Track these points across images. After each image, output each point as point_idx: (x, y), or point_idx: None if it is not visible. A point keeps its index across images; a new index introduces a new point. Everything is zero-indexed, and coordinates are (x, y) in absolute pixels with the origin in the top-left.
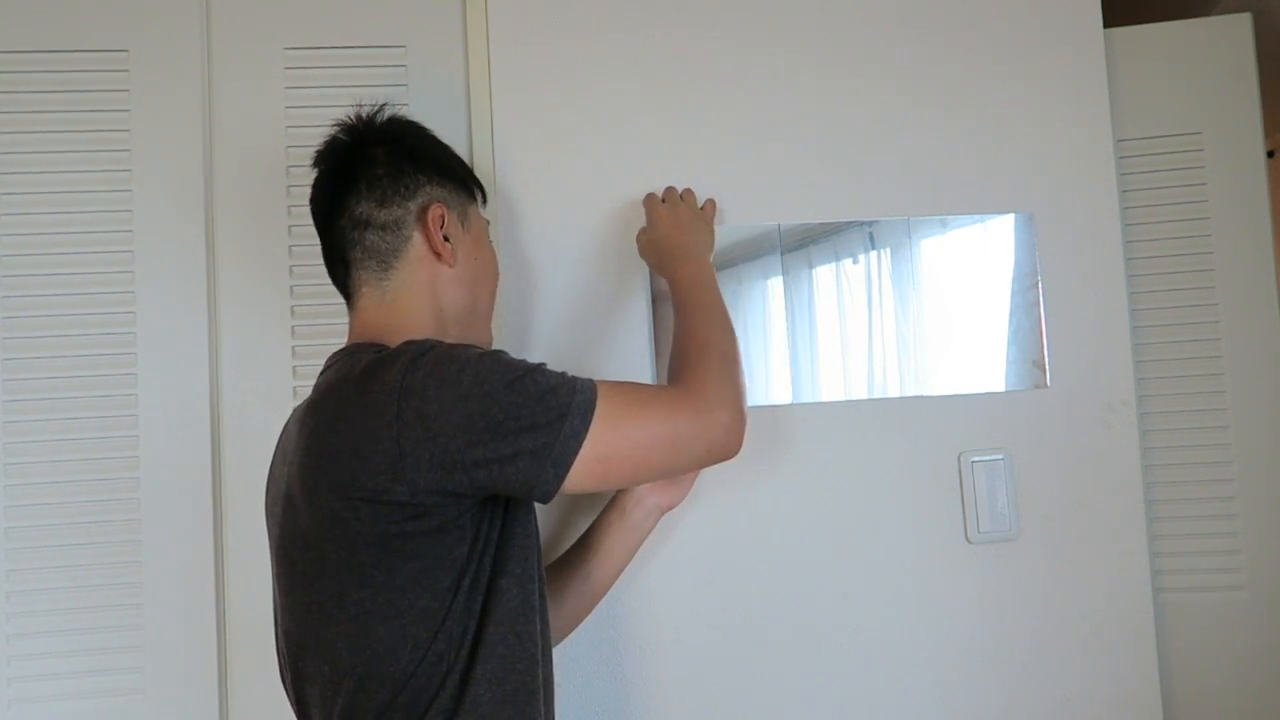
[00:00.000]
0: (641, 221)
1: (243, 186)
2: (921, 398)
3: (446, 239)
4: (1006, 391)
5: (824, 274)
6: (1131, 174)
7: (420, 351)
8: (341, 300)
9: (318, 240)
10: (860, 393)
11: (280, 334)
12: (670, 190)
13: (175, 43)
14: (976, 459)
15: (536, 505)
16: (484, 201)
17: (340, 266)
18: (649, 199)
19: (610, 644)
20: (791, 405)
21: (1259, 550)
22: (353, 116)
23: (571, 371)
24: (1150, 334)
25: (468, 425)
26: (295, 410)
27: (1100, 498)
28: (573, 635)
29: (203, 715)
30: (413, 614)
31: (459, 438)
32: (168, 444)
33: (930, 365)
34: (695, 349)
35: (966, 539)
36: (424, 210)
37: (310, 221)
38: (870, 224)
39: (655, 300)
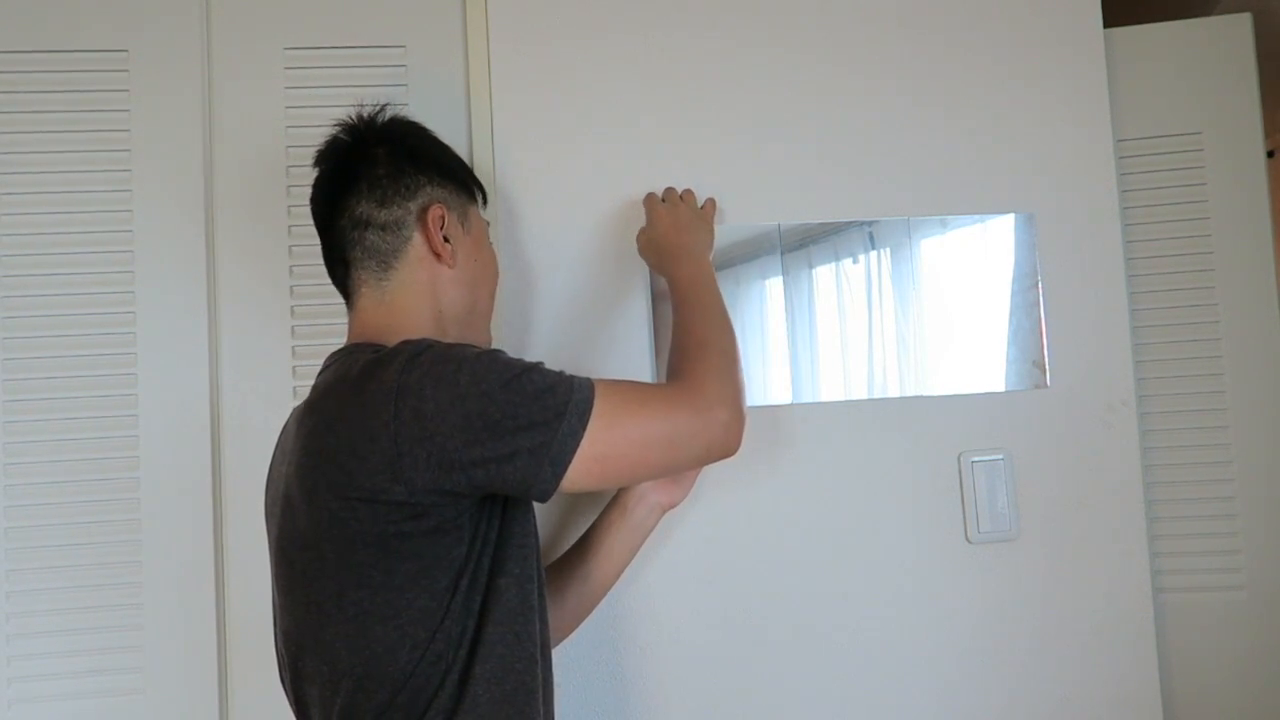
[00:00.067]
0: (641, 221)
1: (243, 186)
2: (921, 398)
3: (446, 240)
4: (1006, 391)
5: (824, 274)
6: (1131, 174)
7: (417, 351)
8: (341, 300)
9: (318, 240)
10: (860, 393)
11: (280, 334)
12: (670, 190)
13: (175, 43)
14: (976, 459)
15: (535, 505)
16: (484, 203)
17: (340, 266)
18: (649, 198)
19: (610, 644)
20: (791, 405)
21: (1259, 550)
22: (354, 116)
23: (571, 371)
24: (1150, 334)
25: (465, 424)
26: (294, 410)
27: (1100, 498)
28: (573, 635)
29: (203, 715)
30: (411, 614)
31: (456, 437)
32: (168, 444)
33: (930, 365)
34: (694, 347)
35: (966, 539)
36: (424, 211)
37: (310, 221)
38: (870, 224)
39: (655, 299)
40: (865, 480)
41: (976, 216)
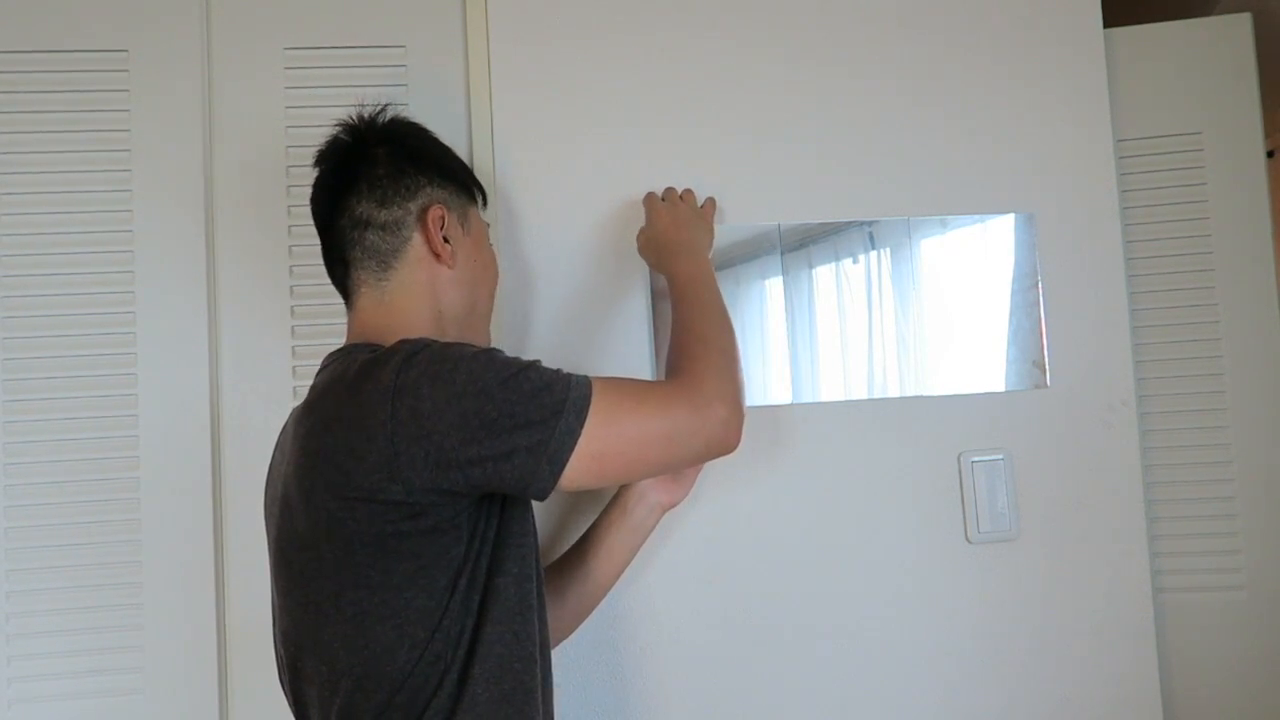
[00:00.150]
0: (641, 221)
1: (243, 186)
2: (921, 398)
3: (446, 240)
4: (1006, 391)
5: (824, 274)
6: (1131, 174)
7: (414, 350)
8: (341, 300)
9: (318, 240)
10: (860, 393)
11: (280, 334)
12: (670, 190)
13: (175, 43)
14: (976, 459)
15: (535, 504)
16: (484, 204)
17: (340, 266)
18: (648, 198)
19: (610, 644)
20: (791, 405)
21: (1259, 550)
22: (354, 116)
23: (571, 370)
24: (1150, 334)
25: (462, 423)
26: (293, 411)
27: (1100, 498)
28: (573, 635)
29: (203, 715)
30: (410, 614)
31: (453, 436)
32: (168, 444)
33: (930, 365)
34: (692, 344)
35: (966, 539)
36: (424, 211)
37: (310, 221)
38: (870, 224)
39: (655, 298)
40: (865, 480)
41: (976, 216)
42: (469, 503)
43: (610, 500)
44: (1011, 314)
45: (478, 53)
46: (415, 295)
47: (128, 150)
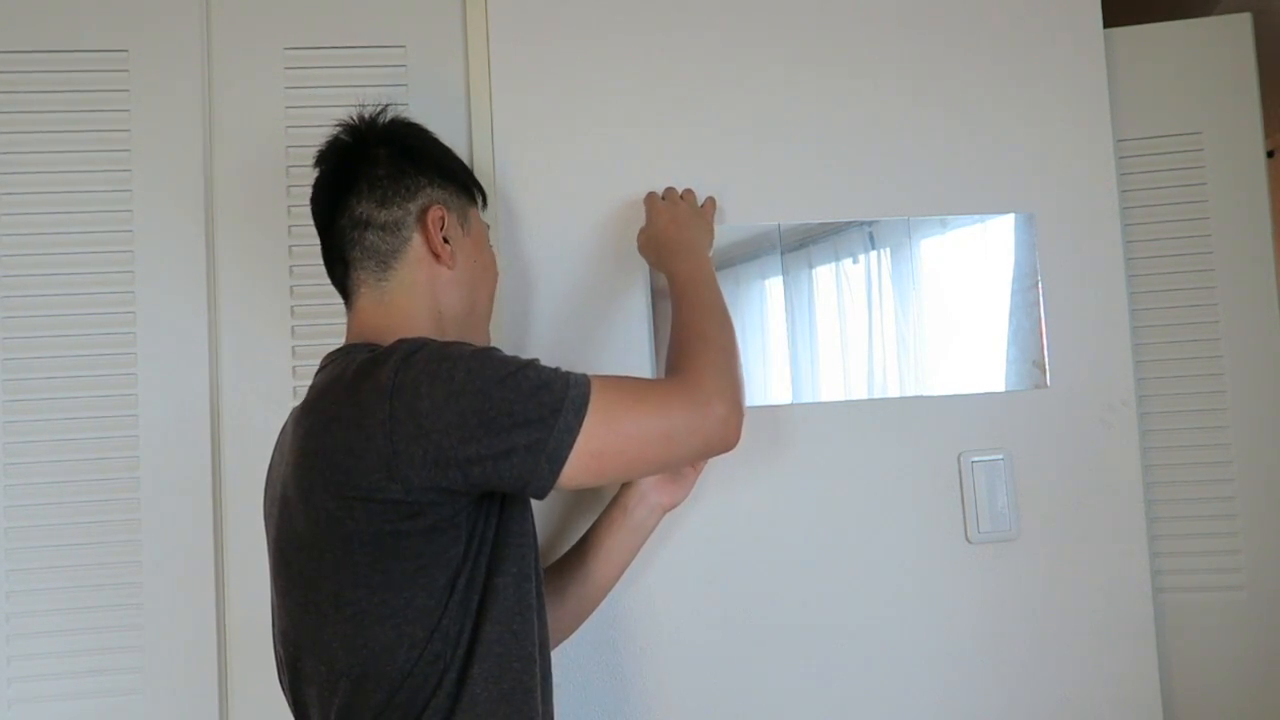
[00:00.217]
0: (641, 221)
1: (243, 186)
2: (921, 398)
3: (446, 241)
4: (1006, 391)
5: (824, 274)
6: (1131, 174)
7: (412, 349)
8: (341, 300)
9: (318, 240)
10: (860, 393)
11: (280, 334)
12: (670, 190)
13: (175, 43)
14: (976, 459)
15: (535, 504)
16: (484, 204)
17: (339, 266)
18: (649, 197)
19: (610, 644)
20: (791, 405)
21: (1259, 550)
22: (355, 117)
23: (571, 369)
24: (1150, 334)
25: (460, 422)
26: (292, 411)
27: (1100, 498)
28: (573, 635)
29: (203, 715)
30: (409, 613)
31: (452, 435)
32: (168, 444)
33: (930, 365)
34: (692, 342)
35: (966, 539)
36: (424, 212)
37: (310, 221)
38: (870, 224)
39: (655, 297)
40: (865, 480)
41: (976, 216)
42: (468, 502)
43: (611, 501)
44: (1011, 314)
45: (478, 53)
46: (415, 295)
47: (128, 150)
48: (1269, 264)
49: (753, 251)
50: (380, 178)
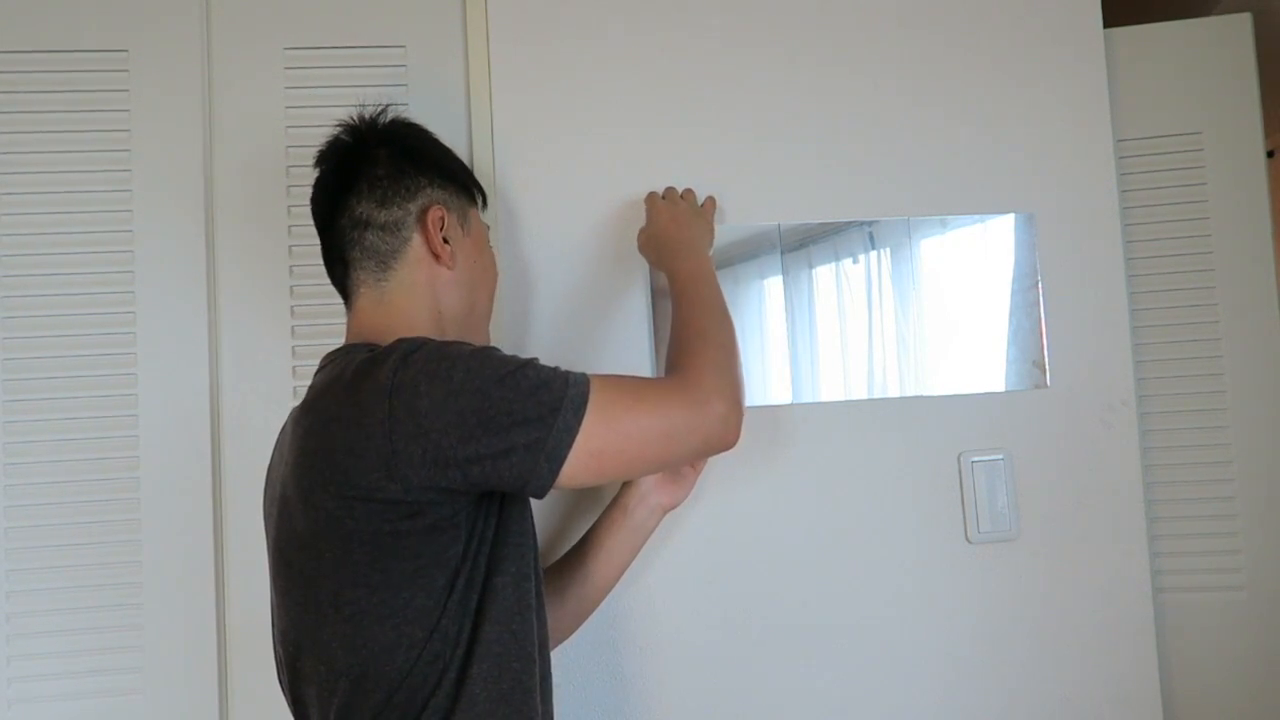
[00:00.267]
0: (641, 220)
1: (243, 186)
2: (921, 398)
3: (446, 241)
4: (1006, 391)
5: (824, 274)
6: (1131, 174)
7: (411, 349)
8: (341, 300)
9: (318, 240)
10: (860, 393)
11: (280, 334)
12: (670, 189)
13: (175, 43)
14: (976, 459)
15: (535, 504)
16: (484, 205)
17: (339, 266)
18: (649, 196)
19: (610, 644)
20: (791, 405)
21: (1259, 550)
22: (355, 117)
23: (571, 369)
24: (1150, 334)
25: (459, 421)
26: (292, 411)
27: (1100, 498)
28: (573, 635)
29: (203, 715)
30: (408, 613)
31: (451, 434)
32: (168, 444)
33: (930, 365)
34: (691, 340)
35: (966, 539)
36: (424, 212)
37: (310, 221)
38: (870, 224)
39: (655, 296)
40: (865, 480)
41: (976, 216)
42: (467, 501)
43: (611, 501)
44: (1011, 314)
45: (478, 53)
46: (414, 296)
47: (128, 150)
48: (1269, 264)
49: (753, 251)
50: (380, 178)
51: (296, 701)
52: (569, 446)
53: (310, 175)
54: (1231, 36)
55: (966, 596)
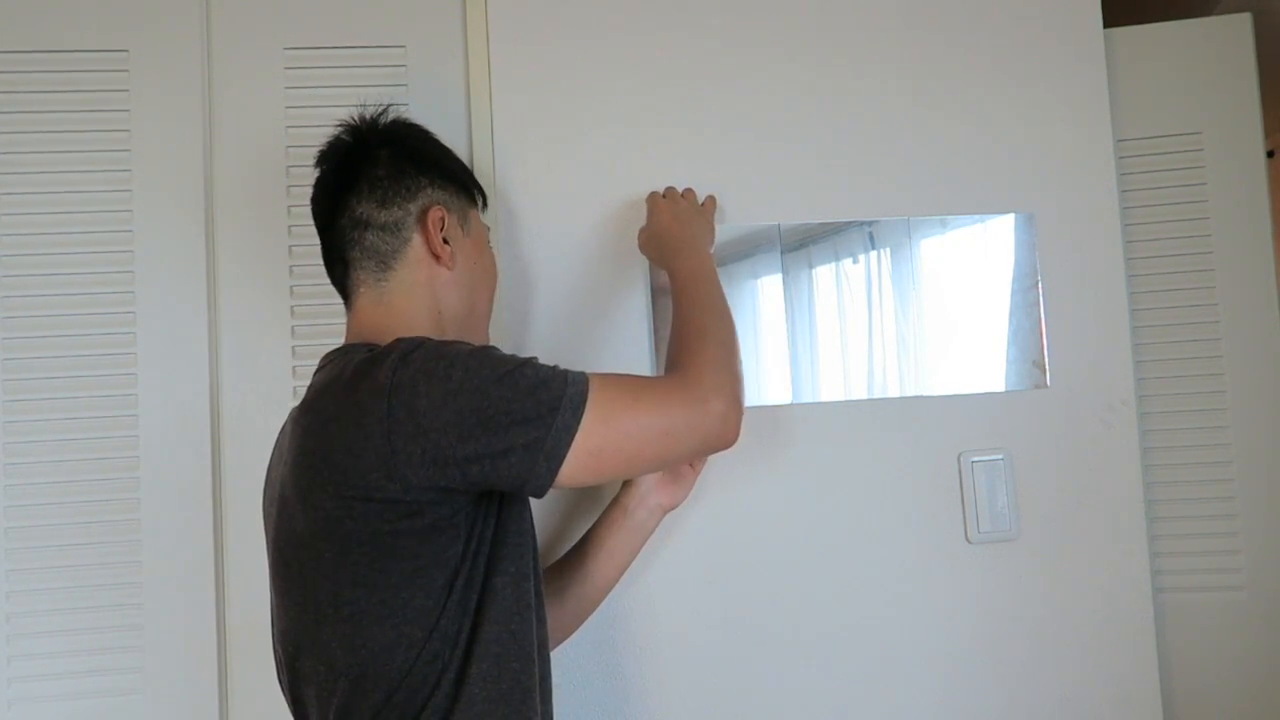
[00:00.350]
0: (641, 220)
1: (243, 186)
2: (921, 398)
3: (446, 242)
4: (1006, 391)
5: (824, 274)
6: (1131, 174)
7: (410, 348)
8: (341, 300)
9: (318, 240)
10: (860, 393)
11: (280, 334)
12: (671, 189)
13: (175, 43)
14: (976, 459)
15: (535, 504)
16: (484, 206)
17: (339, 266)
18: (651, 195)
19: (610, 644)
20: (791, 405)
21: (1259, 550)
22: (356, 117)
23: (570, 369)
24: (1150, 334)
25: (458, 421)
26: (291, 411)
27: (1100, 498)
28: (573, 635)
29: (203, 715)
30: (407, 613)
31: (450, 433)
32: (168, 444)
33: (930, 365)
34: (691, 337)
35: (966, 539)
36: (424, 212)
37: (310, 221)
38: (870, 224)
39: (655, 295)
40: (865, 480)
41: (976, 216)
42: (467, 501)
43: (611, 502)
44: (1011, 314)
45: (478, 53)
46: (414, 296)
47: (128, 150)
48: (1269, 264)
49: (752, 251)
50: (381, 178)
51: (296, 702)
52: (568, 445)
53: (310, 175)
54: (1231, 36)
55: (966, 597)
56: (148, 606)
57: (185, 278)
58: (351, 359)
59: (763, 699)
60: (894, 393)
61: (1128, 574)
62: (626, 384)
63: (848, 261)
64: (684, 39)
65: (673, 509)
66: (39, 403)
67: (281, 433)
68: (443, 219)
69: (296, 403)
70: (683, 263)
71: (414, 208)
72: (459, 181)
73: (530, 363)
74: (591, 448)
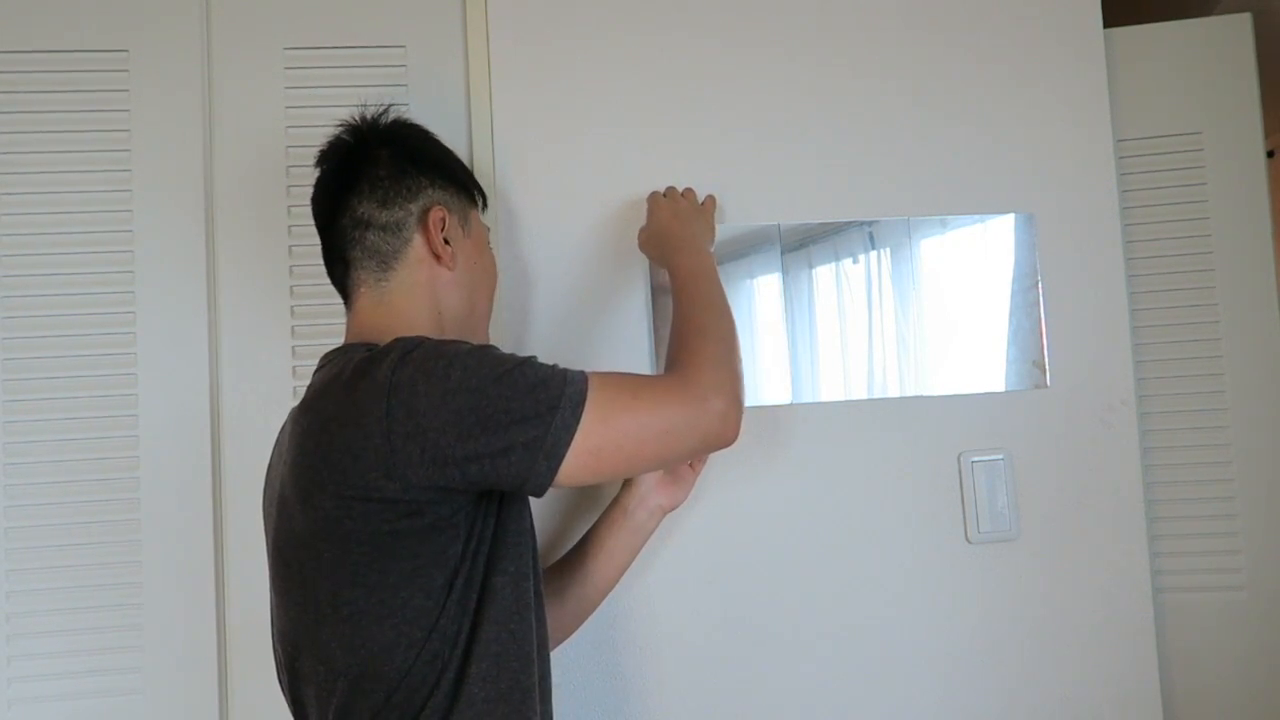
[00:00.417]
0: (640, 220)
1: (243, 186)
2: (921, 398)
3: (447, 242)
4: (1006, 391)
5: (824, 274)
6: (1131, 174)
7: (409, 348)
8: (341, 300)
9: (318, 240)
10: (860, 393)
11: (280, 334)
12: (671, 188)
13: (175, 43)
14: (976, 459)
15: (535, 503)
16: (485, 207)
17: (340, 266)
18: (651, 195)
19: (610, 644)
20: (791, 405)
21: (1259, 550)
22: (357, 117)
23: (570, 367)
24: (1150, 334)
25: (457, 420)
26: (291, 411)
27: (1100, 498)
28: (573, 635)
29: (203, 715)
30: (407, 613)
31: (449, 433)
32: (168, 444)
33: (930, 365)
34: (691, 336)
35: (966, 539)
36: (425, 213)
37: (310, 221)
38: (870, 224)
39: (654, 294)
40: (865, 480)
41: (976, 216)
42: (466, 501)
43: (611, 502)
44: (1011, 314)
45: (478, 53)
46: (415, 296)
47: (128, 150)
48: (1269, 264)
49: (752, 251)
50: (382, 178)
51: (296, 702)
52: (567, 445)
53: (310, 175)
54: (1231, 36)
55: (966, 596)
56: (148, 606)
57: (185, 278)
58: (351, 359)
59: (763, 699)
60: (894, 393)
61: (1128, 574)
62: (626, 383)
63: (848, 261)
64: (684, 39)
65: (673, 510)
66: (39, 403)
67: (281, 432)
68: (444, 219)
69: (296, 403)
70: (683, 261)
71: (415, 208)
72: (459, 182)
73: (529, 362)
74: (591, 446)
